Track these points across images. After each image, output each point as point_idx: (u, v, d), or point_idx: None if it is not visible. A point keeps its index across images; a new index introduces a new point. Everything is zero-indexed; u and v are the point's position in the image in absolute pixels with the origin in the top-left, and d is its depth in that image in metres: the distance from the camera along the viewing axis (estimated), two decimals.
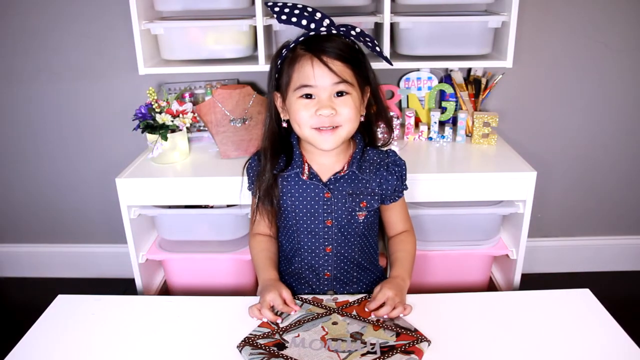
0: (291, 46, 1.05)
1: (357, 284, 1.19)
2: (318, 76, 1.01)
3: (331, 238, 1.14)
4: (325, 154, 1.10)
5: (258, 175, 1.15)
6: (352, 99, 1.04)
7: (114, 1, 1.74)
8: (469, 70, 1.79)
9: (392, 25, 1.57)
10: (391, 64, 1.20)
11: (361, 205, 1.12)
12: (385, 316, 0.98)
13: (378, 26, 1.62)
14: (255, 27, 1.56)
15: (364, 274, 1.20)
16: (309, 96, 1.03)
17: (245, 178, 1.22)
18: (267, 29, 1.63)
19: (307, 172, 1.11)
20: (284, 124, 1.11)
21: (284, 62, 1.06)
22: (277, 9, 1.08)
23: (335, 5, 1.68)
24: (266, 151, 1.13)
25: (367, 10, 1.74)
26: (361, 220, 1.14)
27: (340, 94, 1.03)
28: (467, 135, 1.73)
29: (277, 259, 1.20)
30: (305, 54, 1.02)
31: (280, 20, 1.08)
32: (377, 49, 1.08)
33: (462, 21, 1.58)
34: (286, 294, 1.03)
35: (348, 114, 1.03)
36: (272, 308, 1.00)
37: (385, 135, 1.22)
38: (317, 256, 1.15)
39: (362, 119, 1.11)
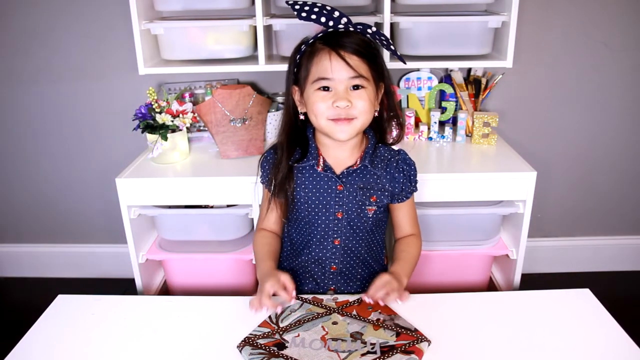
0: (310, 41, 1.09)
1: (361, 281, 1.20)
2: (335, 70, 1.04)
3: (340, 231, 1.16)
4: (340, 147, 1.14)
5: (274, 166, 1.17)
6: (367, 93, 1.07)
7: (114, 1, 1.74)
8: (469, 70, 1.79)
9: (392, 25, 1.57)
10: (404, 62, 1.24)
11: (371, 199, 1.15)
12: (383, 315, 0.98)
13: (378, 26, 1.62)
14: (255, 27, 1.56)
15: (368, 272, 1.21)
16: (326, 89, 1.06)
17: (259, 175, 1.24)
18: (267, 29, 1.63)
19: (322, 164, 1.14)
20: (301, 117, 1.15)
21: (302, 56, 1.10)
22: (297, 7, 1.12)
23: (335, 5, 1.67)
24: (282, 144, 1.16)
25: (367, 10, 1.74)
26: (370, 215, 1.16)
27: (356, 87, 1.07)
28: (467, 135, 1.73)
29: (278, 255, 1.22)
30: (324, 47, 1.06)
31: (300, 17, 1.12)
32: (392, 47, 1.12)
33: (462, 21, 1.58)
34: (284, 277, 1.04)
35: (363, 106, 1.07)
36: (273, 297, 1.01)
37: (395, 133, 1.22)
38: (325, 248, 1.17)
39: (376, 113, 1.14)
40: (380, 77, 1.12)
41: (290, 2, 1.15)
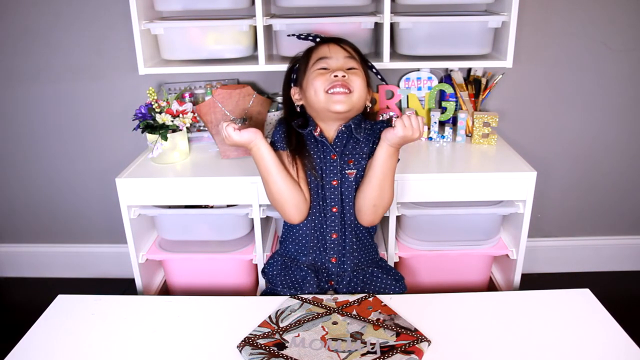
0: (306, 50, 1.27)
1: (357, 251, 1.28)
2: (333, 51, 1.22)
3: (337, 198, 1.24)
4: (334, 123, 1.24)
5: (288, 135, 1.26)
6: (360, 75, 1.21)
7: (114, 1, 1.74)
8: (469, 70, 1.79)
9: (392, 25, 1.57)
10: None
11: (349, 162, 1.24)
12: (383, 315, 0.98)
13: (378, 26, 1.62)
14: (255, 27, 1.56)
15: (360, 242, 1.29)
16: (325, 69, 1.20)
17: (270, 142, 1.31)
18: (267, 29, 1.63)
19: (319, 131, 1.24)
20: (298, 109, 1.29)
21: (300, 60, 1.26)
22: (294, 35, 1.37)
23: (335, 5, 1.67)
24: (285, 118, 1.31)
25: (367, 10, 1.74)
26: (352, 179, 1.24)
27: (350, 69, 1.20)
28: (467, 135, 1.73)
29: (286, 174, 1.21)
30: (321, 43, 1.25)
31: (298, 38, 1.35)
32: (374, 69, 1.33)
33: (462, 21, 1.57)
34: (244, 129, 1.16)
35: (359, 83, 1.20)
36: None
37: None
38: (325, 216, 1.25)
39: (368, 109, 1.28)
40: (368, 79, 1.27)
41: (289, 34, 1.42)
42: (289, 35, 1.40)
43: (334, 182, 1.23)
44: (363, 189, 1.22)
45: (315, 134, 1.23)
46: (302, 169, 1.25)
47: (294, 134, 1.25)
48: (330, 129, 1.26)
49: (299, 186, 1.22)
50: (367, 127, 1.26)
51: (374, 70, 1.32)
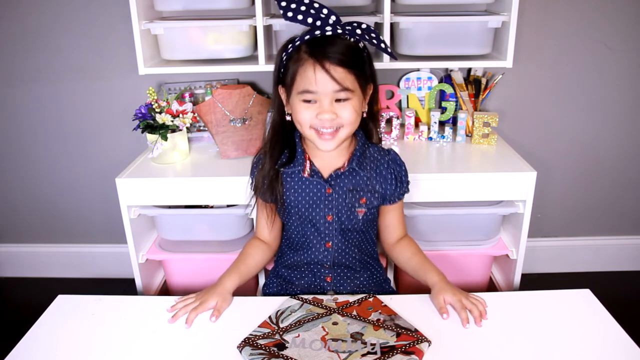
0: (296, 44, 1.05)
1: (356, 270, 1.21)
2: (320, 83, 1.03)
3: (332, 234, 1.16)
4: (328, 152, 1.12)
5: (259, 171, 1.18)
6: (352, 104, 1.06)
7: (114, 1, 1.74)
8: (469, 70, 1.79)
9: (392, 25, 1.57)
10: (396, 59, 1.21)
11: (361, 201, 1.14)
12: (384, 315, 0.98)
13: (378, 26, 1.62)
14: (255, 27, 1.56)
15: (362, 265, 1.22)
16: (311, 100, 1.06)
17: (250, 183, 1.24)
18: (267, 29, 1.63)
19: (308, 170, 1.14)
20: (288, 117, 1.13)
21: (288, 59, 1.08)
22: (284, 4, 1.07)
23: (335, 5, 1.66)
24: (267, 148, 1.17)
25: (367, 10, 1.74)
26: (360, 217, 1.16)
27: (340, 100, 1.05)
28: (467, 135, 1.73)
29: (252, 271, 1.22)
30: (309, 58, 1.03)
31: (286, 18, 1.07)
32: (382, 45, 1.09)
33: (462, 21, 1.58)
34: (221, 308, 1.06)
35: (348, 117, 1.06)
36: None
37: (377, 130, 1.22)
38: (318, 251, 1.18)
39: (365, 114, 1.13)
40: (369, 79, 1.12)
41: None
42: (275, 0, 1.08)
43: (329, 218, 1.14)
44: (407, 268, 1.21)
45: (305, 174, 1.14)
46: (272, 215, 1.21)
47: (268, 172, 1.15)
48: (324, 158, 1.14)
49: (259, 255, 1.23)
50: (375, 154, 1.16)
51: (382, 46, 1.09)
